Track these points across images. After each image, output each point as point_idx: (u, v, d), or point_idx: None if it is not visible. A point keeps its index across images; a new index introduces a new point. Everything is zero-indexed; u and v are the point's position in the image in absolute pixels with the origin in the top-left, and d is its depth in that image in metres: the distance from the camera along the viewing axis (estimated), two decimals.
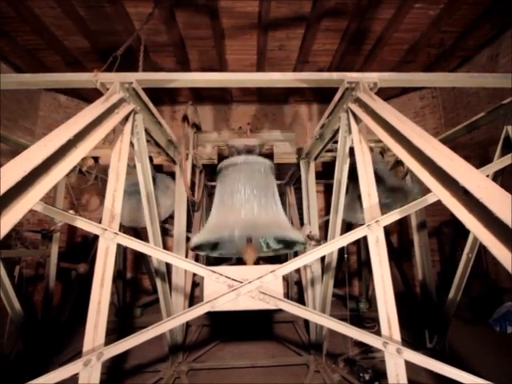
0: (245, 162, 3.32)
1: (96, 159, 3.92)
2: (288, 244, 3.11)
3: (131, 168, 2.76)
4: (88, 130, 1.66)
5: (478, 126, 3.15)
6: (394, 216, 1.86)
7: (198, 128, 4.07)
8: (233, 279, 1.79)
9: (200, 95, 7.43)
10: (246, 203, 2.90)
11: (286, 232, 2.80)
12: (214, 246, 3.15)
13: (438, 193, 1.31)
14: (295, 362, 3.70)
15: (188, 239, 4.10)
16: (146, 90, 2.36)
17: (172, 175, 3.93)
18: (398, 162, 3.94)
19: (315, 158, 3.83)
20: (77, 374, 1.44)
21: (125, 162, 1.99)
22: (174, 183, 3.88)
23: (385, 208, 4.08)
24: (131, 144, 2.32)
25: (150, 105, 2.53)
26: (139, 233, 5.70)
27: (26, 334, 3.43)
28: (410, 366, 1.54)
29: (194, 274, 4.46)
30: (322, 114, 2.96)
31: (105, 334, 1.57)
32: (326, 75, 2.34)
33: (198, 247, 2.92)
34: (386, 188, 4.20)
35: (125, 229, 4.94)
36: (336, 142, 2.70)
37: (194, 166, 3.86)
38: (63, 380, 1.41)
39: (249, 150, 3.73)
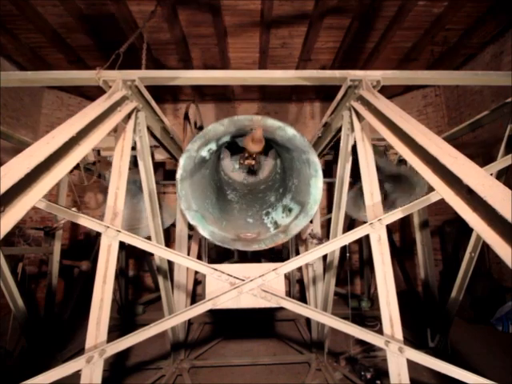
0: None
1: (98, 152, 3.94)
2: (301, 204, 2.47)
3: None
4: (91, 128, 1.66)
5: (482, 124, 3.13)
6: (396, 214, 1.85)
7: (200, 127, 4.07)
8: (235, 277, 1.79)
9: (202, 93, 7.42)
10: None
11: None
12: (208, 212, 2.56)
13: (442, 191, 1.30)
14: (297, 360, 3.71)
15: (190, 237, 4.12)
16: (148, 87, 2.36)
17: (174, 173, 3.93)
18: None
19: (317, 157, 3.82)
20: (79, 371, 1.45)
21: (127, 160, 1.99)
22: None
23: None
24: (133, 142, 2.32)
25: (153, 103, 2.53)
26: None
27: (29, 331, 3.45)
28: (411, 365, 1.53)
29: (196, 272, 4.47)
30: (324, 113, 2.95)
31: (107, 331, 1.58)
32: (328, 73, 2.33)
33: (187, 198, 2.34)
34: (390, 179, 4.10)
35: None
36: (339, 141, 2.69)
37: None
38: (66, 377, 1.42)
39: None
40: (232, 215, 2.79)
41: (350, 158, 2.54)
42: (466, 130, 3.33)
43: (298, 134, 2.21)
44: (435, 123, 6.81)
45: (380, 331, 1.66)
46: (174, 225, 4.38)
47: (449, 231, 5.93)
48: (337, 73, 2.29)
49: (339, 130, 2.69)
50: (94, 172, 4.01)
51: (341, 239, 1.93)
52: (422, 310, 4.10)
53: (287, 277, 6.37)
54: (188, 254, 3.90)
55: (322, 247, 1.92)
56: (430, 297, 3.96)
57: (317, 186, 2.26)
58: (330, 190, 7.28)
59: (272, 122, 2.23)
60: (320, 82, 2.40)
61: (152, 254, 3.88)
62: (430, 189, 1.55)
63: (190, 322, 4.55)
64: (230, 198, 3.01)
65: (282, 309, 1.87)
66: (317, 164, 2.22)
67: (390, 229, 5.10)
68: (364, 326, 1.68)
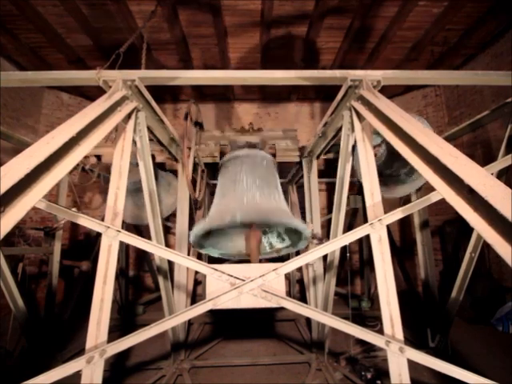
0: (247, 154, 3.37)
1: (98, 157, 3.93)
2: (292, 239, 3.05)
3: (134, 166, 2.78)
4: (91, 128, 1.66)
5: (482, 124, 3.13)
6: (396, 215, 1.85)
7: (200, 126, 4.07)
8: (235, 277, 1.79)
9: (202, 93, 7.42)
10: (248, 191, 2.86)
11: (290, 220, 2.64)
12: (216, 242, 3.15)
13: (443, 191, 1.30)
14: (297, 361, 3.70)
15: None
16: (148, 87, 2.36)
17: (174, 173, 3.93)
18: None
19: (318, 157, 3.82)
20: (80, 371, 1.45)
21: (127, 160, 1.99)
22: (177, 180, 3.89)
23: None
24: (133, 142, 2.32)
25: (153, 103, 2.52)
26: (141, 231, 5.71)
27: (29, 331, 3.45)
28: (412, 365, 1.53)
29: (196, 272, 4.47)
30: (324, 113, 2.95)
31: (107, 331, 1.58)
32: (329, 73, 2.33)
33: (198, 243, 2.88)
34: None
35: (128, 226, 4.97)
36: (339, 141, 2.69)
37: (196, 165, 3.85)
38: (66, 377, 1.42)
39: (251, 147, 3.82)
40: (235, 233, 3.17)
41: (350, 158, 2.54)
42: (467, 130, 3.33)
43: (294, 224, 2.65)
44: (435, 123, 6.79)
45: (380, 331, 1.65)
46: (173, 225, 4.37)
47: (449, 231, 5.92)
48: (337, 73, 2.29)
49: (339, 129, 2.69)
50: (94, 172, 4.00)
51: (341, 239, 1.93)
52: (422, 310, 4.09)
53: (287, 277, 6.38)
54: (188, 254, 3.90)
55: (322, 247, 1.92)
56: (430, 297, 3.96)
57: (305, 238, 2.87)
58: (329, 190, 7.28)
59: (273, 221, 2.71)
60: (320, 81, 2.40)
61: (152, 254, 3.88)
62: (431, 189, 1.55)
63: (190, 323, 4.55)
64: None
65: (282, 309, 1.87)
66: (306, 235, 2.81)
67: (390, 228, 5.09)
68: (364, 326, 1.68)
